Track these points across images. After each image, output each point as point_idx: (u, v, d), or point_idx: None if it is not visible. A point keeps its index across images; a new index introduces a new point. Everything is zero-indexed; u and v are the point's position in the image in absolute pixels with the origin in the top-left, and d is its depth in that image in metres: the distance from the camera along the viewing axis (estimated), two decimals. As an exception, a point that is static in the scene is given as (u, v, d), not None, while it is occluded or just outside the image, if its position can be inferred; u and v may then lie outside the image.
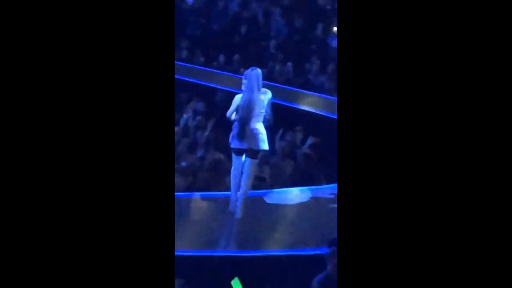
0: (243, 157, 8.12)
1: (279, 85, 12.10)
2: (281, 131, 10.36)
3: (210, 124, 10.76)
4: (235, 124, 7.96)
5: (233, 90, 11.89)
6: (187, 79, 12.43)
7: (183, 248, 7.29)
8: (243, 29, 13.49)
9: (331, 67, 12.43)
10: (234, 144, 8.02)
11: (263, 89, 8.09)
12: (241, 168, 8.13)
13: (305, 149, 10.17)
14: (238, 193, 8.16)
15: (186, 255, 7.11)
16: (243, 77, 8.12)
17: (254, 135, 7.96)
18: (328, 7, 13.92)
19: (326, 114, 11.42)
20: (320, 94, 12.05)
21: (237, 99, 8.04)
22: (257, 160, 8.15)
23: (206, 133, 10.60)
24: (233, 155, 8.14)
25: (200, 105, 11.63)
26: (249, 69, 8.16)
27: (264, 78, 11.79)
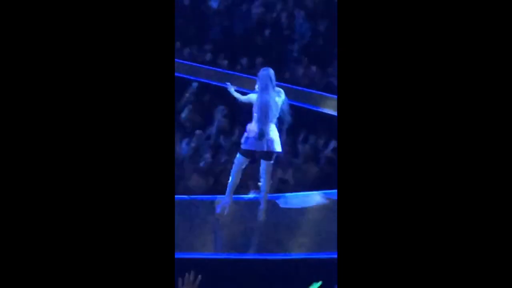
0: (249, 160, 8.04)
1: (302, 88, 12.09)
2: (303, 134, 10.34)
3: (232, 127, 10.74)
4: (251, 126, 7.90)
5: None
6: (211, 82, 12.43)
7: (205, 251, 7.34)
8: (266, 32, 13.47)
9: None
10: (248, 145, 7.92)
11: (277, 89, 8.02)
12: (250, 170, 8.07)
13: (328, 152, 10.14)
14: (260, 196, 8.13)
15: (187, 258, 7.09)
16: (256, 78, 8.04)
17: (271, 137, 7.91)
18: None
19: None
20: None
21: (253, 97, 7.96)
22: (272, 162, 8.10)
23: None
24: (241, 157, 8.02)
25: (222, 109, 11.61)
26: (262, 70, 8.10)
27: (287, 81, 11.78)
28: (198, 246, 7.76)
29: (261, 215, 8.10)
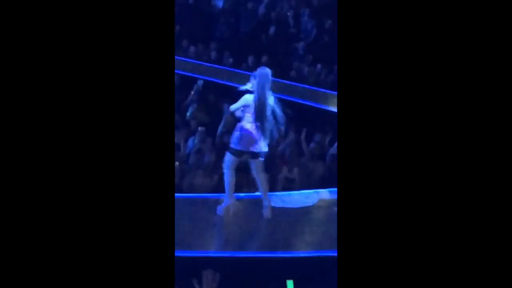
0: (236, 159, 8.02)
1: (307, 86, 12.08)
2: (304, 131, 10.31)
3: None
4: (245, 126, 7.81)
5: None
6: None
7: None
8: (271, 30, 13.47)
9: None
10: (242, 146, 7.88)
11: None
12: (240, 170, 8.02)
13: (334, 150, 10.10)
14: (262, 195, 8.09)
15: (187, 256, 7.08)
16: (252, 77, 8.00)
17: (264, 137, 7.87)
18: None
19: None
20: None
21: (248, 98, 7.92)
22: (263, 159, 8.04)
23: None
24: (231, 157, 7.94)
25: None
26: (260, 69, 8.03)
27: (293, 80, 11.76)
28: (202, 244, 7.76)
29: (266, 213, 8.08)
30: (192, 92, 11.93)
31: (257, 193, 8.38)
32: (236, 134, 7.87)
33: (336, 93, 11.77)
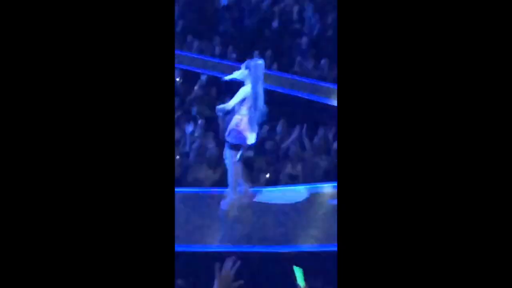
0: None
1: (314, 81, 12.09)
2: (305, 126, 10.30)
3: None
4: (240, 119, 7.76)
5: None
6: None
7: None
8: (275, 25, 13.47)
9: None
10: (237, 139, 7.83)
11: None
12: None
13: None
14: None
15: (187, 251, 7.10)
16: (243, 67, 7.93)
17: (254, 129, 7.86)
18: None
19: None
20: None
21: (246, 91, 7.86)
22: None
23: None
24: (230, 150, 7.92)
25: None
26: (253, 60, 7.98)
27: (297, 74, 11.76)
28: (209, 239, 7.77)
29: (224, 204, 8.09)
30: (196, 87, 11.94)
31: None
32: (232, 127, 7.83)
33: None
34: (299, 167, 9.89)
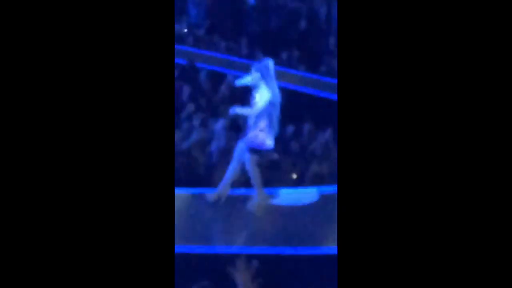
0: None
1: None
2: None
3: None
4: (268, 124, 7.76)
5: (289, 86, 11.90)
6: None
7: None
8: (302, 25, 13.45)
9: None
10: (268, 145, 7.83)
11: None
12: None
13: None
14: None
15: (188, 252, 7.08)
16: (253, 70, 7.80)
17: (274, 132, 7.85)
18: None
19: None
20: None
21: (268, 95, 7.74)
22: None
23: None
24: (253, 156, 7.90)
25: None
26: (262, 61, 7.88)
27: (324, 75, 11.71)
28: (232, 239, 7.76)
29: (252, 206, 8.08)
30: (223, 87, 11.92)
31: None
32: (254, 132, 7.76)
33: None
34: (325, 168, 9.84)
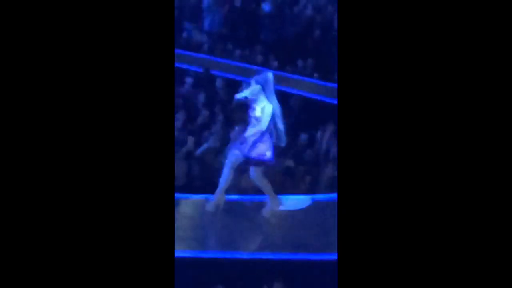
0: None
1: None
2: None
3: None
4: (268, 135, 7.85)
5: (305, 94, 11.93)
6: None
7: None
8: (316, 34, 13.47)
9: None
10: (267, 156, 7.91)
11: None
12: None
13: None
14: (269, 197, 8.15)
15: (187, 257, 7.10)
16: (253, 83, 7.80)
17: (271, 145, 7.94)
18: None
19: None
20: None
21: (271, 109, 7.82)
22: None
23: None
24: (257, 168, 7.96)
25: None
26: (262, 74, 7.91)
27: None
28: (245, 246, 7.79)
29: (265, 212, 8.15)
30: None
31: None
32: (251, 141, 7.83)
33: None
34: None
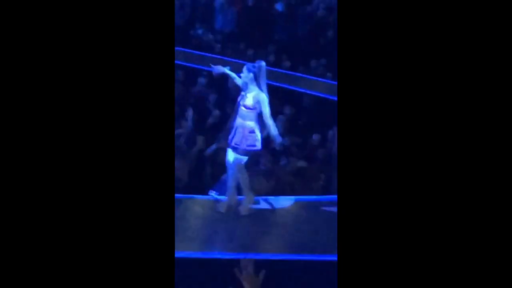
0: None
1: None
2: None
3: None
4: (259, 125, 7.77)
5: (319, 94, 11.91)
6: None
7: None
8: (329, 34, 13.46)
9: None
10: (257, 147, 7.86)
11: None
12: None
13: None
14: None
15: (187, 257, 7.09)
16: (245, 71, 7.71)
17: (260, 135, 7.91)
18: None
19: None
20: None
21: (262, 97, 7.68)
22: None
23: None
24: (241, 157, 7.88)
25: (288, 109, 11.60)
26: (256, 63, 7.76)
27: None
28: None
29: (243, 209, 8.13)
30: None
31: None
32: (241, 132, 7.78)
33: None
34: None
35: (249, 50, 13.21)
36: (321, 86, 12.03)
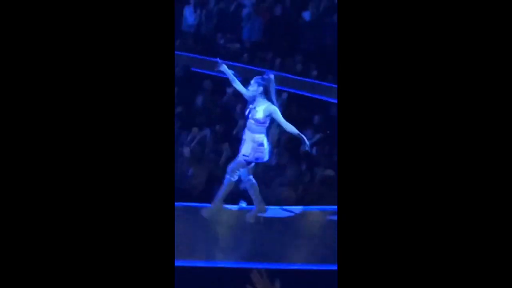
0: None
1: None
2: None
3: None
4: (267, 137, 7.78)
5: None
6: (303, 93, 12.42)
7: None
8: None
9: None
10: (265, 159, 7.85)
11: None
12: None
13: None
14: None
15: (187, 266, 7.08)
16: (254, 84, 7.73)
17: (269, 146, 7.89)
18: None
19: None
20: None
21: (275, 111, 7.72)
22: None
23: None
24: (248, 167, 7.90)
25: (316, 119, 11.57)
26: (265, 75, 7.78)
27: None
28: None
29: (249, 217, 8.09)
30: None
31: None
32: (250, 144, 7.75)
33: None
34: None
35: (277, 59, 13.20)
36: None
